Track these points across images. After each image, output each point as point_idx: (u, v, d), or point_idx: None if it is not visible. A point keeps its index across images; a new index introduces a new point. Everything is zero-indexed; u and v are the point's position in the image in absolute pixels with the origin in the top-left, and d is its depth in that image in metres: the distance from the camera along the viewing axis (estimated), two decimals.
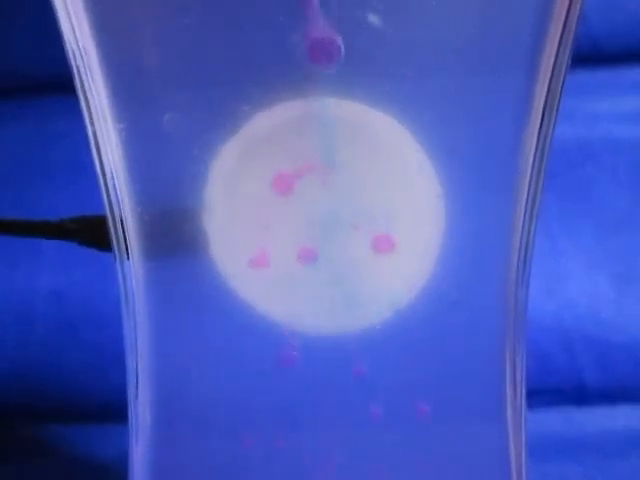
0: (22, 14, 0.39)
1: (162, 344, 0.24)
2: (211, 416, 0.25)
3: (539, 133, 0.23)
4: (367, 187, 0.23)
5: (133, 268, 0.23)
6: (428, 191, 0.23)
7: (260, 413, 0.25)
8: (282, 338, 0.24)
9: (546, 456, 0.37)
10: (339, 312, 0.24)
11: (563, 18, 0.22)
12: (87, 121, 0.22)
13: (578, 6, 0.22)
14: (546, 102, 0.23)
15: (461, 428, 0.25)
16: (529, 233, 0.24)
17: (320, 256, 0.24)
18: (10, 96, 0.42)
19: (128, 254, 0.23)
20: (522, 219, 0.24)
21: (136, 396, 0.24)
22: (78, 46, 0.22)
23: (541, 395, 0.38)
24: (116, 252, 0.23)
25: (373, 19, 0.22)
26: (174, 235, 0.23)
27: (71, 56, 0.22)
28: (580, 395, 0.38)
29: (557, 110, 0.23)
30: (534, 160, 0.23)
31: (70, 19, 0.21)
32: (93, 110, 0.22)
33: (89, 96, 0.22)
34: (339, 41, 0.22)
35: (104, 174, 0.23)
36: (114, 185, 0.23)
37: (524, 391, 0.25)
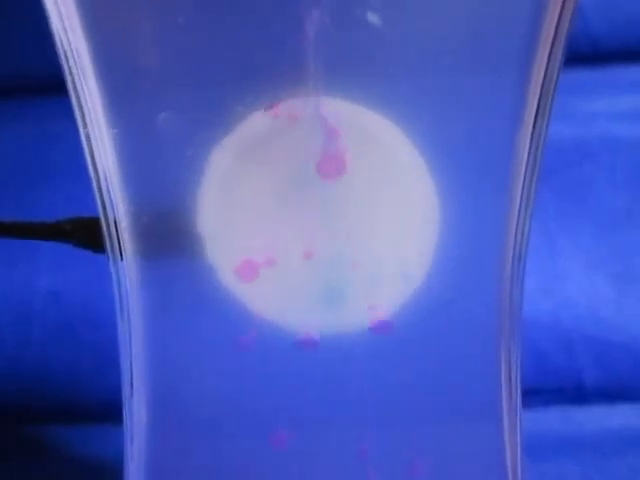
0: (22, 14, 0.39)
1: (157, 345, 0.24)
2: (206, 416, 0.25)
3: (533, 133, 0.23)
4: (362, 187, 0.23)
5: (127, 270, 0.23)
6: (422, 191, 0.23)
7: (255, 413, 0.25)
8: (278, 339, 0.24)
9: (544, 455, 0.37)
10: (335, 313, 0.24)
11: (556, 18, 0.22)
12: (80, 123, 0.22)
13: (571, 6, 0.22)
14: (540, 101, 0.23)
15: (457, 428, 0.25)
16: (524, 232, 0.24)
17: (315, 257, 0.24)
18: (10, 96, 0.42)
19: (122, 256, 0.23)
20: (517, 218, 0.24)
21: (131, 396, 0.24)
22: (70, 47, 0.22)
23: (540, 394, 0.38)
24: (110, 254, 0.23)
25: (368, 19, 0.22)
26: (168, 237, 0.23)
27: (63, 58, 0.22)
28: (579, 394, 0.38)
29: (550, 109, 0.23)
30: (528, 160, 0.23)
31: (62, 20, 0.21)
32: (86, 112, 0.22)
33: (82, 98, 0.22)
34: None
35: (97, 176, 0.23)
36: (107, 187, 0.23)
37: (519, 391, 0.25)
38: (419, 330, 0.24)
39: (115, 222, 0.23)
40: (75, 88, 0.22)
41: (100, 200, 0.23)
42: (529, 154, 0.23)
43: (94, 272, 0.37)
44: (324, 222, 0.23)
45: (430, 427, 0.25)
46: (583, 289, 0.39)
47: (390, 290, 0.24)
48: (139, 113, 0.22)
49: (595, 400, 0.38)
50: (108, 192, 0.23)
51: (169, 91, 0.22)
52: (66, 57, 0.22)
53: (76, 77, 0.22)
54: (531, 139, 0.23)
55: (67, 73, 0.22)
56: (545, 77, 0.22)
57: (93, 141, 0.22)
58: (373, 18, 0.22)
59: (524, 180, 0.23)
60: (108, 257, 0.23)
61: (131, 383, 0.24)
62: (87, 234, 0.24)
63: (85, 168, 0.23)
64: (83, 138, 0.22)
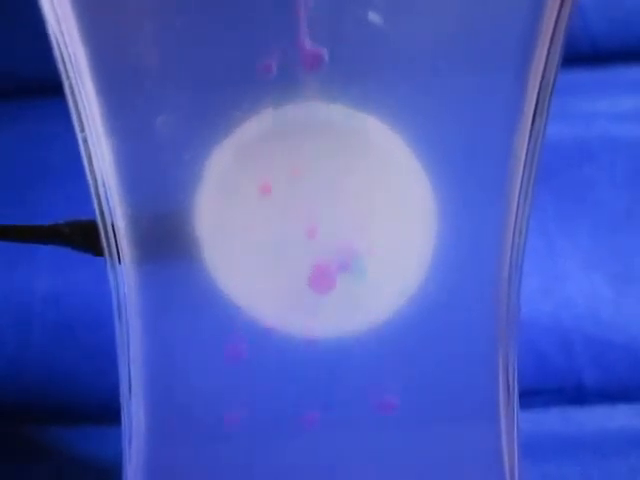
0: (22, 14, 0.39)
1: (155, 348, 0.24)
2: (203, 419, 0.25)
3: (530, 134, 0.23)
4: (359, 190, 0.23)
5: (125, 273, 0.23)
6: (419, 194, 0.23)
7: (252, 415, 0.25)
8: (276, 341, 0.24)
9: (544, 456, 0.37)
10: (332, 316, 0.24)
11: (554, 20, 0.22)
12: (77, 127, 0.22)
13: (569, 7, 0.22)
14: (537, 102, 0.23)
15: (454, 429, 0.25)
16: (521, 234, 0.24)
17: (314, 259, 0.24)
18: (10, 97, 0.42)
19: (120, 259, 0.23)
20: (514, 220, 0.24)
21: (129, 399, 0.24)
22: (67, 51, 0.22)
23: (539, 395, 0.38)
24: (108, 257, 0.23)
25: (365, 23, 0.22)
26: (166, 240, 0.23)
27: (60, 62, 0.22)
28: (579, 395, 0.38)
29: (549, 110, 0.23)
30: (526, 161, 0.23)
31: (59, 24, 0.21)
32: (83, 116, 0.22)
33: (79, 102, 0.22)
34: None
35: (95, 180, 0.23)
36: (105, 191, 0.23)
37: (517, 392, 0.25)
38: (416, 332, 0.24)
39: (113, 226, 0.23)
40: (72, 92, 0.22)
41: (98, 204, 0.23)
42: (526, 156, 0.23)
43: (94, 274, 0.37)
44: (322, 225, 0.23)
45: (428, 428, 0.25)
46: (583, 289, 0.39)
47: (388, 292, 0.24)
48: (136, 117, 0.22)
49: (595, 400, 0.38)
50: (106, 196, 0.23)
51: (166, 95, 0.22)
52: (63, 61, 0.22)
53: (73, 81, 0.22)
54: (529, 140, 0.23)
55: (64, 77, 0.22)
56: (543, 77, 0.22)
57: (90, 145, 0.22)
58: (369, 21, 0.22)
59: (522, 182, 0.23)
60: (105, 260, 0.24)
61: (129, 386, 0.24)
62: (85, 237, 0.24)
63: (84, 169, 0.23)
64: (80, 142, 0.22)
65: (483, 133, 0.23)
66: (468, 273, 0.24)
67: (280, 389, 0.25)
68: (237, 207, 0.23)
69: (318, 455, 0.25)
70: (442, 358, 0.25)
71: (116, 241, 0.23)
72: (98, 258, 0.24)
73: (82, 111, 0.22)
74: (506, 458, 0.25)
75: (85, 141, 0.22)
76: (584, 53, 0.41)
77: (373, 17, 0.22)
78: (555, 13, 0.22)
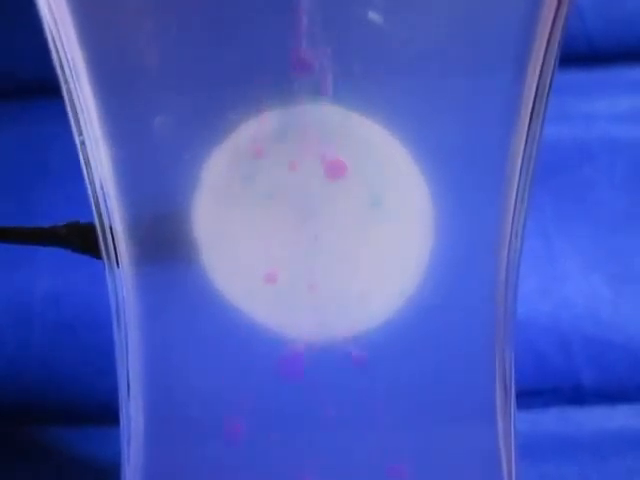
0: (22, 15, 0.39)
1: (153, 350, 0.24)
2: (203, 421, 0.25)
3: (527, 135, 0.23)
4: (355, 192, 0.23)
5: (123, 276, 0.23)
6: (416, 196, 0.23)
7: (251, 417, 0.25)
8: (274, 343, 0.24)
9: (543, 456, 0.37)
10: (330, 318, 0.24)
11: (551, 20, 0.22)
12: (75, 131, 0.22)
13: (566, 8, 0.22)
14: (534, 104, 0.23)
15: (452, 430, 0.25)
16: (518, 236, 0.24)
17: (311, 262, 0.24)
18: (10, 98, 0.42)
19: (118, 262, 0.23)
20: (511, 223, 0.24)
21: (128, 401, 0.24)
22: (65, 55, 0.22)
23: (538, 395, 0.38)
24: (106, 260, 0.23)
25: (360, 24, 0.22)
26: (164, 243, 0.23)
27: (58, 66, 0.22)
28: (577, 395, 0.38)
29: (545, 111, 0.23)
30: (522, 163, 0.23)
31: (57, 28, 0.21)
32: (81, 120, 0.22)
33: (77, 106, 0.22)
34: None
35: (93, 183, 0.23)
36: (103, 194, 0.23)
37: (514, 393, 0.25)
38: (414, 334, 0.24)
39: (111, 228, 0.23)
40: (70, 96, 0.22)
41: (96, 207, 0.23)
42: (524, 157, 0.23)
43: (93, 274, 0.37)
44: (319, 227, 0.23)
45: (425, 430, 0.25)
46: (581, 290, 0.39)
47: (386, 294, 0.24)
48: (134, 121, 0.22)
49: (593, 401, 0.38)
50: (104, 199, 0.23)
51: (164, 99, 0.22)
52: (61, 65, 0.22)
53: (71, 85, 0.22)
54: (526, 142, 0.23)
55: (62, 81, 0.22)
56: (540, 78, 0.22)
57: (88, 148, 0.22)
58: (367, 23, 0.22)
59: (519, 184, 0.23)
60: (104, 263, 0.24)
61: (128, 387, 0.24)
62: (83, 240, 0.24)
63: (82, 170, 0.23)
64: (78, 146, 0.22)
65: (480, 135, 0.23)
66: (465, 275, 0.24)
67: (280, 389, 0.25)
68: (235, 210, 0.23)
69: (318, 454, 0.25)
70: (439, 359, 0.25)
71: (114, 243, 0.23)
72: (97, 259, 0.24)
73: (80, 115, 0.22)
74: (504, 458, 0.25)
75: (83, 144, 0.22)
76: (582, 53, 0.41)
77: (371, 18, 0.22)
78: (552, 14, 0.22)
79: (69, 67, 0.22)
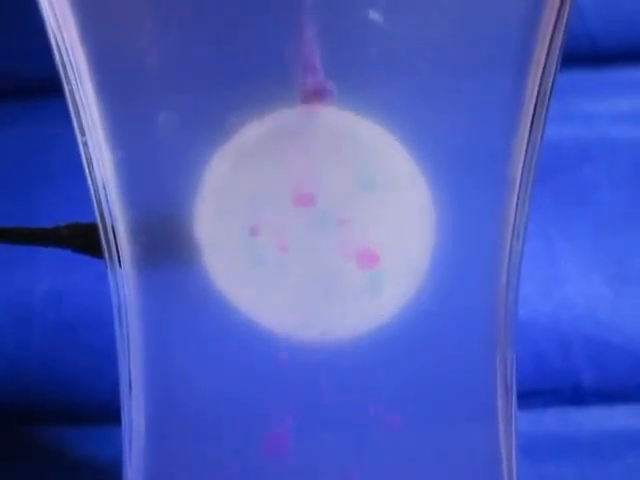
0: (22, 15, 0.39)
1: (154, 351, 0.24)
2: (203, 420, 0.25)
3: (529, 137, 0.23)
4: (356, 194, 0.23)
5: (125, 276, 0.23)
6: (417, 197, 0.23)
7: (252, 417, 0.25)
8: (274, 343, 0.24)
9: (543, 456, 0.37)
10: (331, 319, 0.24)
11: (553, 21, 0.22)
12: (77, 131, 0.22)
13: (568, 8, 0.22)
14: (536, 105, 0.23)
15: (453, 431, 0.25)
16: (519, 239, 0.24)
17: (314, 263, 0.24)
18: (10, 98, 0.42)
19: (120, 262, 0.23)
20: (512, 223, 0.24)
21: (129, 401, 0.24)
22: (68, 56, 0.22)
23: (538, 395, 0.38)
24: (108, 260, 0.23)
25: (362, 25, 0.22)
26: (166, 244, 0.23)
27: (60, 66, 0.22)
28: (577, 395, 0.38)
29: (547, 113, 0.23)
30: (524, 164, 0.23)
31: (60, 29, 0.21)
32: (84, 120, 0.22)
33: (79, 106, 0.22)
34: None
35: (95, 184, 0.23)
36: (105, 195, 0.23)
37: (515, 394, 0.25)
38: (415, 335, 0.24)
39: (113, 229, 0.23)
40: (73, 97, 0.22)
41: (98, 207, 0.23)
42: (525, 158, 0.23)
43: (94, 274, 0.37)
44: (318, 231, 0.23)
45: (427, 430, 0.25)
46: (581, 290, 0.39)
47: (386, 295, 0.24)
48: (136, 122, 0.22)
49: (593, 401, 0.38)
50: (106, 200, 0.23)
51: (166, 99, 0.22)
52: (64, 66, 0.22)
53: (74, 86, 0.22)
54: (527, 143, 0.23)
55: (65, 82, 0.22)
56: (542, 79, 0.22)
57: (91, 149, 0.22)
58: (368, 24, 0.22)
59: (520, 185, 0.23)
60: (105, 263, 0.24)
61: (129, 388, 0.24)
62: (85, 240, 0.24)
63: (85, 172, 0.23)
64: (81, 146, 0.22)
65: (482, 136, 0.23)
66: (466, 276, 0.24)
67: (281, 389, 0.25)
68: (236, 211, 0.23)
69: (318, 455, 0.25)
70: (440, 361, 0.25)
71: (116, 244, 0.23)
72: (98, 260, 0.24)
73: (82, 115, 0.22)
74: (504, 459, 0.25)
75: (85, 145, 0.22)
76: (583, 54, 0.41)
77: (371, 20, 0.22)
78: (554, 14, 0.22)
79: (71, 67, 0.22)
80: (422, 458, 0.25)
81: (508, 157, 0.23)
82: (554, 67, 0.22)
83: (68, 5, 0.21)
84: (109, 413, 0.35)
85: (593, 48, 0.41)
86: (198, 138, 0.23)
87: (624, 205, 0.39)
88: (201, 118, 0.23)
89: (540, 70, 0.22)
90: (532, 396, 0.38)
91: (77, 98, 0.22)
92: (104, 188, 0.23)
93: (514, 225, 0.24)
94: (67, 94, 0.22)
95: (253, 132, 0.23)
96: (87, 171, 0.23)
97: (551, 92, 0.23)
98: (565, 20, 0.22)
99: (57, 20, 0.21)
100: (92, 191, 0.23)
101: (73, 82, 0.22)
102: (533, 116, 0.23)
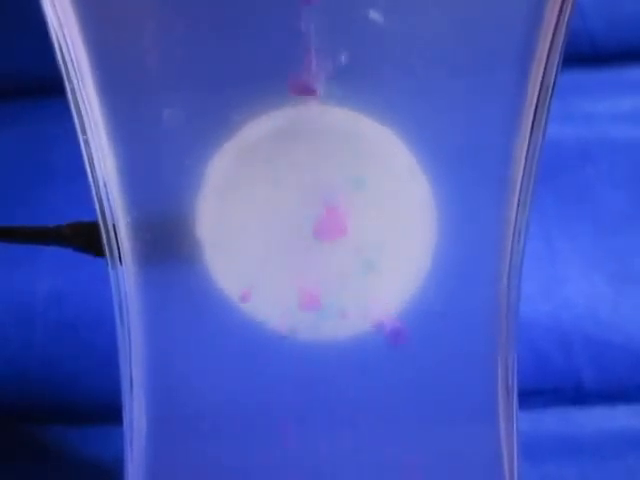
0: (23, 15, 0.39)
1: (156, 350, 0.24)
2: (204, 419, 0.25)
3: (530, 136, 0.23)
4: (357, 193, 0.23)
5: (126, 275, 0.23)
6: (419, 197, 0.23)
7: (254, 416, 0.25)
8: (276, 342, 0.24)
9: (543, 456, 0.37)
10: (332, 317, 0.24)
11: (554, 21, 0.22)
12: (79, 130, 0.22)
13: (569, 8, 0.22)
14: (537, 104, 0.23)
15: (454, 431, 0.25)
16: (520, 239, 0.24)
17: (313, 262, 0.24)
18: (10, 98, 0.42)
19: (121, 261, 0.23)
20: (514, 223, 0.24)
21: (131, 400, 0.24)
22: (70, 55, 0.22)
23: (539, 395, 0.38)
24: (109, 259, 0.23)
25: (364, 25, 0.22)
26: (167, 242, 0.23)
27: (62, 66, 0.22)
28: (578, 395, 0.38)
29: (548, 112, 0.23)
30: (525, 163, 0.23)
31: (62, 29, 0.21)
32: (85, 119, 0.22)
33: (81, 105, 0.22)
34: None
35: (96, 182, 0.23)
36: (107, 193, 0.23)
37: (516, 394, 0.25)
38: (416, 334, 0.24)
39: (114, 227, 0.23)
40: (74, 96, 0.22)
41: (99, 206, 0.23)
42: (526, 158, 0.23)
43: (96, 273, 0.37)
44: (322, 227, 0.24)
45: (427, 430, 0.25)
46: (582, 290, 0.39)
47: (387, 295, 0.24)
48: (138, 121, 0.23)
49: (594, 401, 0.38)
50: (107, 198, 0.23)
51: (168, 98, 0.22)
52: (65, 65, 0.22)
53: (75, 85, 0.22)
54: (529, 143, 0.23)
55: (66, 81, 0.22)
56: (543, 78, 0.23)
57: (92, 148, 0.22)
58: (369, 24, 0.22)
59: (521, 184, 0.23)
60: (107, 262, 0.24)
61: (131, 387, 0.24)
62: (86, 239, 0.24)
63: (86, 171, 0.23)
64: (82, 145, 0.22)
65: (483, 135, 0.23)
66: (468, 276, 0.24)
67: (282, 388, 0.25)
68: (238, 209, 0.23)
69: (319, 454, 0.25)
70: (442, 360, 0.25)
71: (117, 242, 0.23)
72: (100, 259, 0.24)
73: (84, 114, 0.22)
74: (505, 459, 0.25)
75: (87, 144, 0.22)
76: (584, 54, 0.41)
77: (373, 19, 0.22)
78: (555, 14, 0.22)
79: (73, 67, 0.22)
80: (423, 457, 0.25)
81: (509, 157, 0.23)
82: (555, 66, 0.22)
83: (70, 4, 0.21)
84: (110, 413, 0.35)
85: (593, 48, 0.41)
86: (200, 136, 0.23)
87: (625, 205, 0.39)
88: (203, 116, 0.23)
89: (541, 69, 0.22)
90: (533, 396, 0.38)
91: (79, 96, 0.22)
92: (105, 186, 0.23)
93: (515, 225, 0.24)
94: (69, 93, 0.22)
95: (255, 131, 0.23)
96: (88, 170, 0.23)
97: (552, 92, 0.23)
98: (566, 19, 0.22)
99: (59, 18, 0.21)
100: (93, 190, 0.23)
101: (75, 81, 0.22)
102: (534, 116, 0.23)
